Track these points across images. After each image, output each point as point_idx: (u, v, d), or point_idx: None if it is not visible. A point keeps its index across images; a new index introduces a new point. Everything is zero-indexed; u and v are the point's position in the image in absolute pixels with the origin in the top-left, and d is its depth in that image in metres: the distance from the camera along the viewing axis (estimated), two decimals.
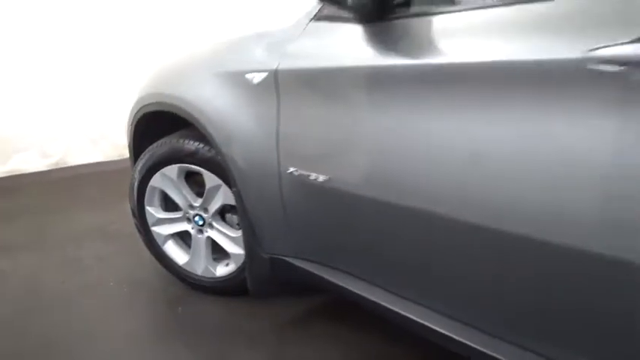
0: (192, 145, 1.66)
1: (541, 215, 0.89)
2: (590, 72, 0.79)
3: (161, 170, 1.76)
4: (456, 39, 1.03)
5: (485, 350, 1.06)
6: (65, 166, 3.71)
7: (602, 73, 0.78)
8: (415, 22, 1.11)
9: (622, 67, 0.76)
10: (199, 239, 1.81)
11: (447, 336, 1.13)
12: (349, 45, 1.19)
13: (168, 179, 1.77)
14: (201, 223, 1.79)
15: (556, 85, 0.84)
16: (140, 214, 1.88)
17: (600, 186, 0.82)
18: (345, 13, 1.18)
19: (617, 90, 0.78)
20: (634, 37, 0.74)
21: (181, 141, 1.69)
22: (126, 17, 3.70)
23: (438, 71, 1.02)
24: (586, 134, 0.82)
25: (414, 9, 1.14)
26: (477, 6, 1.01)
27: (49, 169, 3.66)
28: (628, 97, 0.77)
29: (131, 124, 1.91)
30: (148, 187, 1.82)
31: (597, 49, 0.77)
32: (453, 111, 1.00)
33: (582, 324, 0.92)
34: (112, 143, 3.81)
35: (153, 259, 1.97)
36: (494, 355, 1.04)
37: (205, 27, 3.65)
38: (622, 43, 0.76)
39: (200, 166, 1.67)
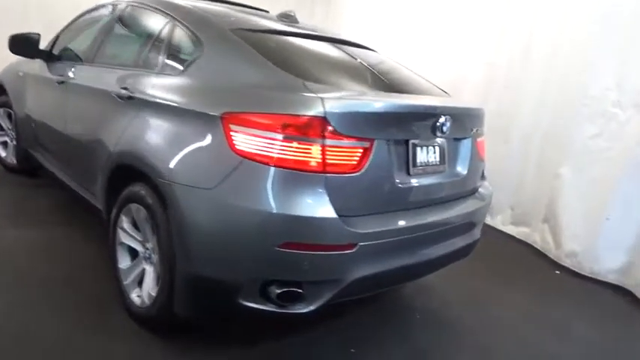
0: (5, 98, 3.91)
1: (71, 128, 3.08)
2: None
3: None
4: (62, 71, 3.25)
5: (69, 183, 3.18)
6: None
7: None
8: (55, 64, 3.35)
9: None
10: (11, 145, 4.04)
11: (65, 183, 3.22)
12: (40, 67, 3.42)
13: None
14: (12, 137, 4.02)
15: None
16: None
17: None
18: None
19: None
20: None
21: (3, 97, 3.95)
22: None
23: (51, 80, 3.27)
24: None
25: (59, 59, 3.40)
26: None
27: None
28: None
29: None
30: None
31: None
32: (57, 91, 3.22)
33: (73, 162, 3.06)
34: None
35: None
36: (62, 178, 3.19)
37: None
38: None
39: (9, 108, 3.90)
